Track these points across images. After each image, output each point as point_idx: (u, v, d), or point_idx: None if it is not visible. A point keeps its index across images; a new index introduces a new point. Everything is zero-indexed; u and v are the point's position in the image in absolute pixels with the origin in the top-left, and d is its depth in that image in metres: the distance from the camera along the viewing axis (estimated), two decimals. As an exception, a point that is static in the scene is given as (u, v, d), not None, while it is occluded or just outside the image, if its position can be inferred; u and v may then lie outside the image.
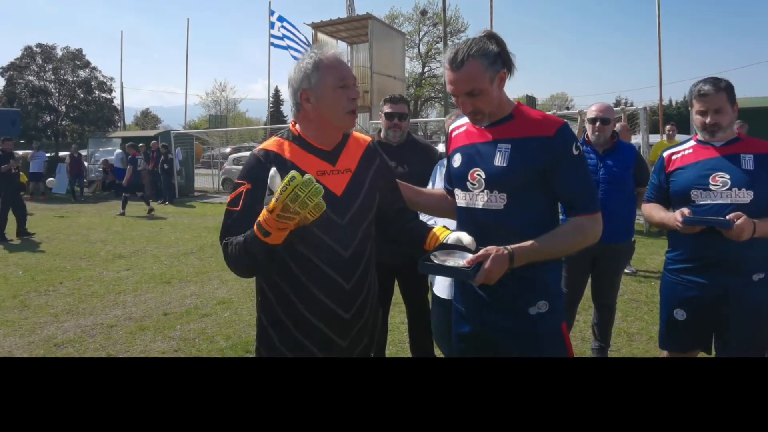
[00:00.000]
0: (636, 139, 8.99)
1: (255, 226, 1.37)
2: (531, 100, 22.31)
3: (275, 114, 41.40)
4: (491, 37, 1.60)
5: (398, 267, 2.89)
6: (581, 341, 3.89)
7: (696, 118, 2.20)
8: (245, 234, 1.43)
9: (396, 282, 3.09)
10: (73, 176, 15.73)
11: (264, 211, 1.33)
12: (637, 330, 4.13)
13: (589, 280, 3.38)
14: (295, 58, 17.91)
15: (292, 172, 1.27)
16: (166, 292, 5.44)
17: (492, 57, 1.56)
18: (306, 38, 15.98)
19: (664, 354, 2.40)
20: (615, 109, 8.77)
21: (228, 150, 21.84)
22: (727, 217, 2.00)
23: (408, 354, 3.42)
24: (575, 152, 1.56)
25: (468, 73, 1.55)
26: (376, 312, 1.75)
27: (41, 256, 7.28)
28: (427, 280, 3.02)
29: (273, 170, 1.38)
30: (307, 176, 1.27)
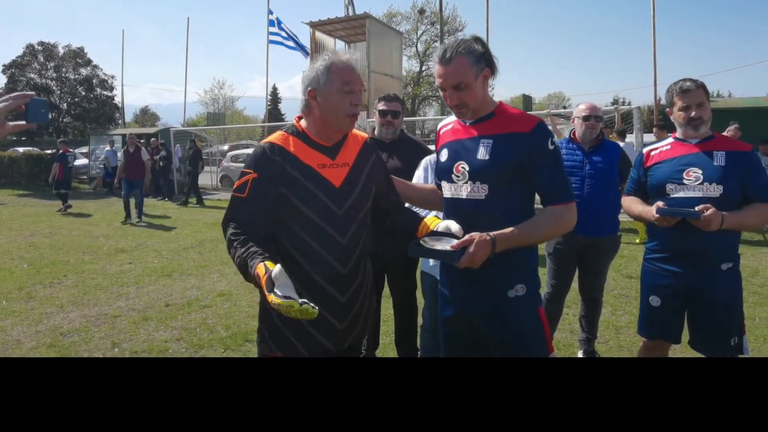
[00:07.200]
0: (630, 138, 9.11)
1: (255, 272, 1.43)
2: (528, 100, 22.39)
3: (273, 112, 41.42)
4: (477, 39, 1.76)
5: (387, 259, 3.01)
6: (570, 333, 4.03)
7: (678, 114, 2.32)
8: (249, 261, 1.48)
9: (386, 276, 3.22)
10: (129, 182, 10.19)
11: (264, 290, 1.39)
12: (626, 323, 4.27)
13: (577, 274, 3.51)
14: (300, 49, 18.04)
15: (292, 301, 1.32)
16: (168, 284, 5.57)
17: (477, 55, 1.72)
18: (294, 35, 16.28)
19: (643, 340, 2.54)
20: (610, 107, 8.93)
21: (226, 147, 21.90)
22: (697, 208, 2.13)
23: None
24: (550, 147, 1.70)
25: (456, 68, 1.70)
26: (371, 298, 1.87)
27: (45, 250, 7.40)
28: (415, 275, 3.15)
29: (279, 267, 1.38)
30: (303, 306, 1.32)
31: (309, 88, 1.70)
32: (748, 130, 8.39)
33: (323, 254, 1.67)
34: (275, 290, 1.36)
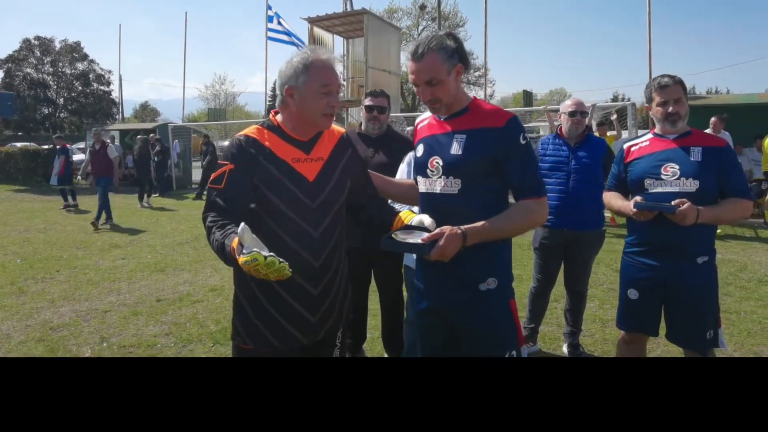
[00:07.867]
0: (625, 134, 9.13)
1: (231, 247, 1.43)
2: (528, 95, 22.38)
3: (273, 108, 41.34)
4: (449, 35, 1.77)
5: (374, 255, 3.01)
6: (557, 327, 4.06)
7: (656, 110, 2.35)
8: (226, 240, 1.48)
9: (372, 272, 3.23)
10: (96, 177, 9.57)
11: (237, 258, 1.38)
12: (612, 317, 4.27)
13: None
14: (299, 46, 18.04)
15: (254, 253, 1.31)
16: (160, 279, 5.59)
17: (450, 51, 1.73)
18: (293, 32, 16.28)
19: (621, 333, 2.56)
20: (609, 104, 8.94)
21: (226, 143, 21.83)
22: (673, 203, 2.15)
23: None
24: (522, 142, 1.71)
25: (427, 64, 1.71)
26: (345, 290, 1.89)
27: (39, 245, 7.41)
28: (401, 270, 3.17)
29: (243, 225, 1.39)
30: (269, 259, 1.31)
31: (286, 86, 1.70)
32: (743, 127, 8.42)
33: (295, 247, 1.68)
34: (243, 251, 1.36)
